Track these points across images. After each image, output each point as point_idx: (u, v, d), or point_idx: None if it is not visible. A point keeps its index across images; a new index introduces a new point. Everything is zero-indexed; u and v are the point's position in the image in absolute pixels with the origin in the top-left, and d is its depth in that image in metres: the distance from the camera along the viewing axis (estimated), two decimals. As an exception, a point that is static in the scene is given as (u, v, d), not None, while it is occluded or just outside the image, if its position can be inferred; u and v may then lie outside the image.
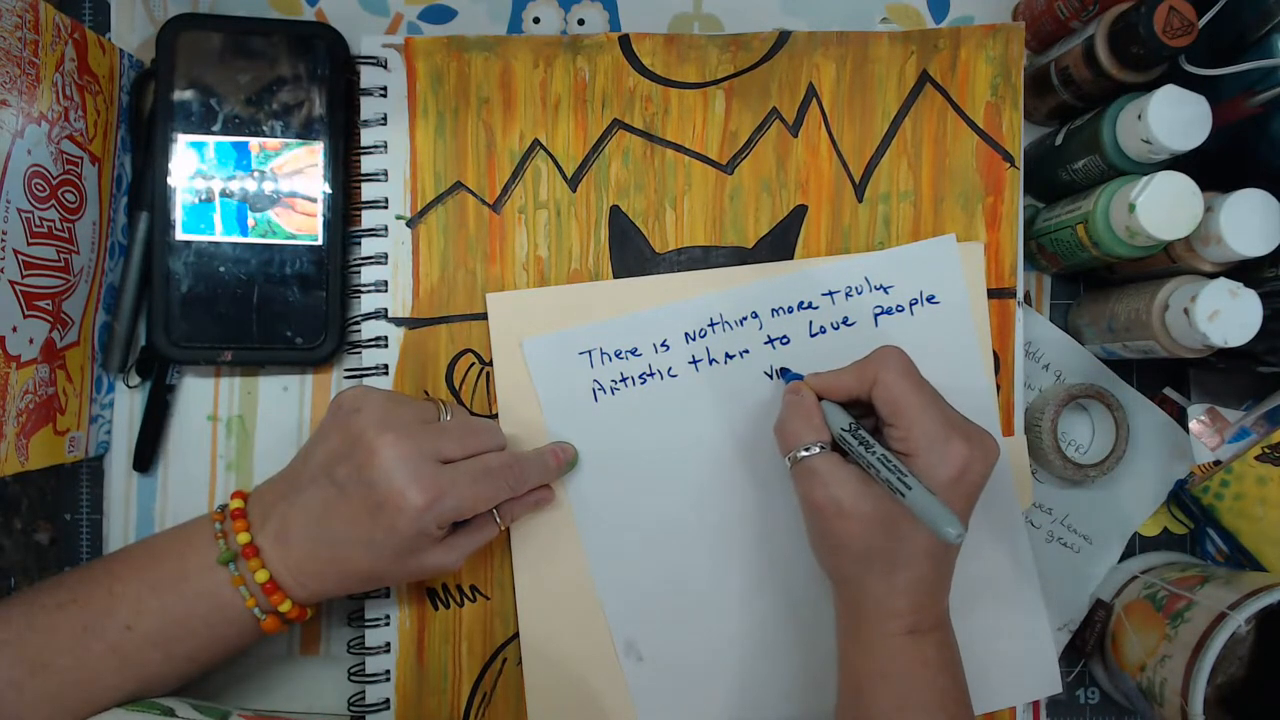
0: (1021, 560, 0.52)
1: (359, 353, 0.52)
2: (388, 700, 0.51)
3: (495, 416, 0.52)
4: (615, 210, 0.52)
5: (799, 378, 0.47)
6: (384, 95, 0.52)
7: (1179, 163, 0.46)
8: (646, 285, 0.52)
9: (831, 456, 0.43)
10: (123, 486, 0.53)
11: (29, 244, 0.45)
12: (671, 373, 0.51)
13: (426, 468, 0.43)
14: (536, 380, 0.51)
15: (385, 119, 0.52)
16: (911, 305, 0.51)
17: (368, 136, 0.52)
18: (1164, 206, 0.45)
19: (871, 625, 0.43)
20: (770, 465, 0.51)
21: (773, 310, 0.51)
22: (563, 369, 0.51)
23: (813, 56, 0.52)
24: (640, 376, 0.51)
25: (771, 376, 0.51)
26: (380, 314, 0.52)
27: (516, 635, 0.52)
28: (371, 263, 0.52)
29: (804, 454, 0.44)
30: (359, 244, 0.52)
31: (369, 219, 0.52)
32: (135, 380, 0.53)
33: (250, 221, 0.51)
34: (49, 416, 0.48)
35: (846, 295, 0.51)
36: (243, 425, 0.53)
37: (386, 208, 0.52)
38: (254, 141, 0.51)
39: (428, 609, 0.52)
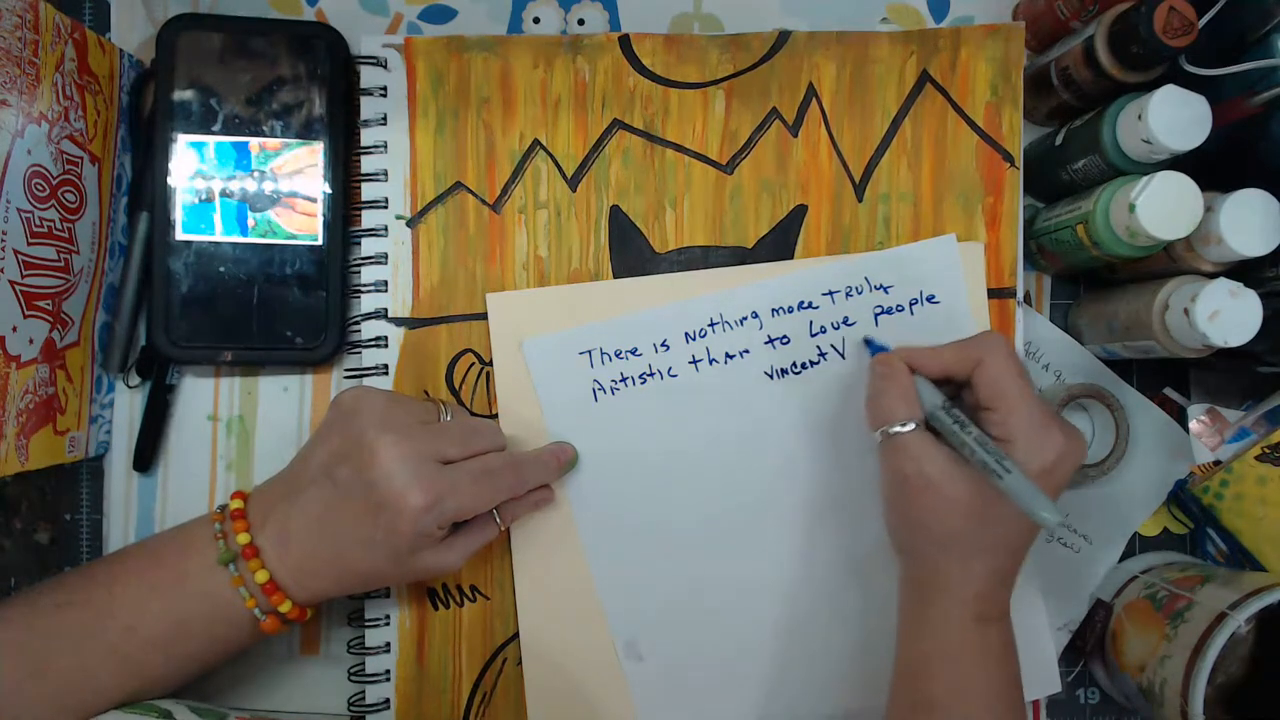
0: (1021, 560, 0.52)
1: (359, 353, 0.52)
2: (388, 700, 0.51)
3: (495, 417, 0.52)
4: (615, 210, 0.52)
5: (885, 349, 0.47)
6: (384, 95, 0.52)
7: (1179, 163, 0.46)
8: (646, 285, 0.52)
9: (925, 435, 0.43)
10: (123, 486, 0.53)
11: (29, 244, 0.45)
12: (672, 373, 0.51)
13: (427, 469, 0.43)
14: (536, 380, 0.51)
15: (385, 119, 0.52)
16: (911, 305, 0.51)
17: (368, 136, 0.52)
18: (1164, 206, 0.45)
19: (939, 608, 0.43)
20: (771, 465, 0.51)
21: (773, 310, 0.51)
22: (563, 369, 0.51)
23: (813, 56, 0.52)
24: (640, 376, 0.51)
25: (772, 377, 0.51)
26: (380, 314, 0.52)
27: (516, 635, 0.52)
28: (371, 263, 0.52)
29: (897, 429, 0.43)
30: (359, 244, 0.52)
31: (369, 219, 0.52)
32: (135, 380, 0.53)
33: (250, 221, 0.51)
34: (49, 416, 0.48)
35: (846, 295, 0.51)
36: (243, 425, 0.53)
37: (386, 208, 0.52)
38: (254, 141, 0.51)
39: (428, 609, 0.52)
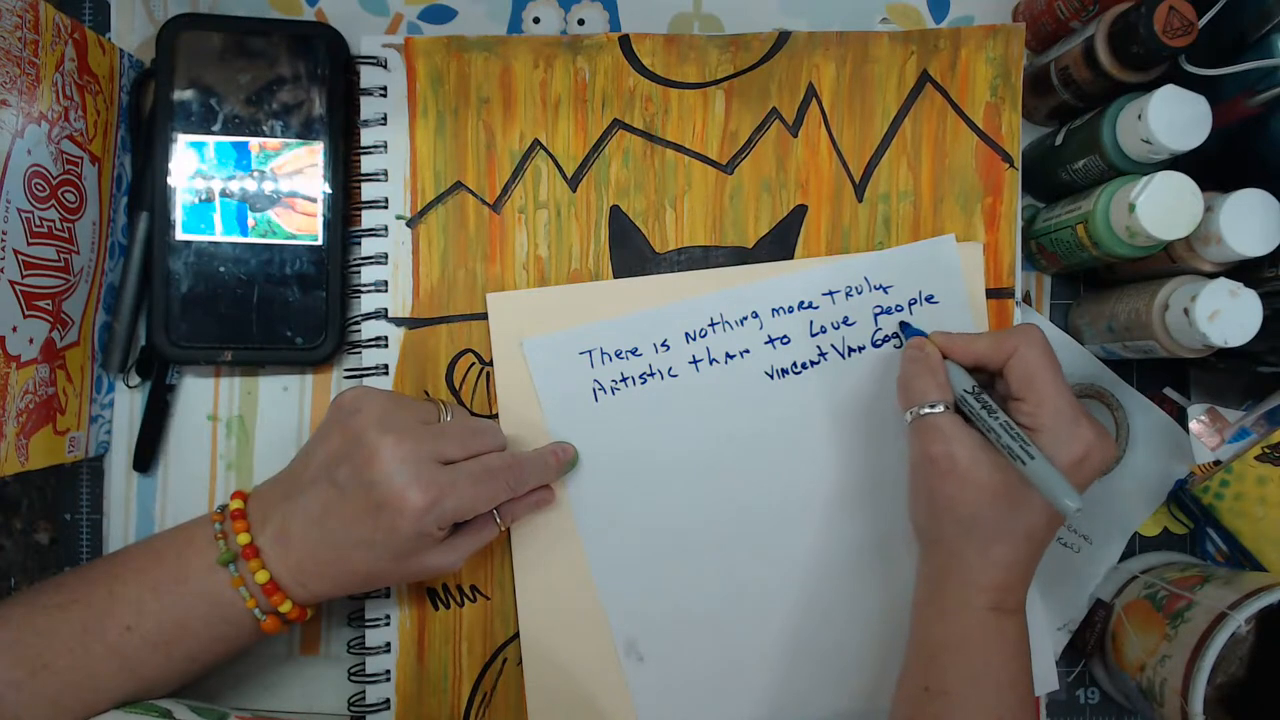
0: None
1: (359, 353, 0.52)
2: (388, 700, 0.51)
3: (495, 417, 0.52)
4: (615, 210, 0.52)
5: (921, 333, 0.48)
6: (384, 95, 0.52)
7: (1179, 163, 0.46)
8: (646, 285, 0.52)
9: (954, 417, 0.44)
10: (123, 486, 0.53)
11: (29, 244, 0.45)
12: (672, 373, 0.51)
13: (427, 469, 0.43)
14: (537, 380, 0.51)
15: (385, 119, 0.52)
16: (911, 305, 0.51)
17: (368, 136, 0.52)
18: (1164, 206, 0.45)
19: (957, 595, 0.43)
20: (772, 465, 0.51)
21: (773, 310, 0.51)
22: (563, 369, 0.51)
23: (812, 56, 0.52)
24: (640, 376, 0.51)
25: (772, 377, 0.51)
26: (380, 314, 0.52)
27: (516, 635, 0.52)
28: (371, 263, 0.52)
29: (927, 410, 0.44)
30: (359, 244, 0.52)
31: (369, 219, 0.52)
32: (135, 380, 0.53)
33: (250, 221, 0.51)
34: (49, 416, 0.48)
35: (846, 295, 0.51)
36: (243, 425, 0.53)
37: (386, 208, 0.52)
38: (254, 141, 0.51)
39: (428, 609, 0.52)
